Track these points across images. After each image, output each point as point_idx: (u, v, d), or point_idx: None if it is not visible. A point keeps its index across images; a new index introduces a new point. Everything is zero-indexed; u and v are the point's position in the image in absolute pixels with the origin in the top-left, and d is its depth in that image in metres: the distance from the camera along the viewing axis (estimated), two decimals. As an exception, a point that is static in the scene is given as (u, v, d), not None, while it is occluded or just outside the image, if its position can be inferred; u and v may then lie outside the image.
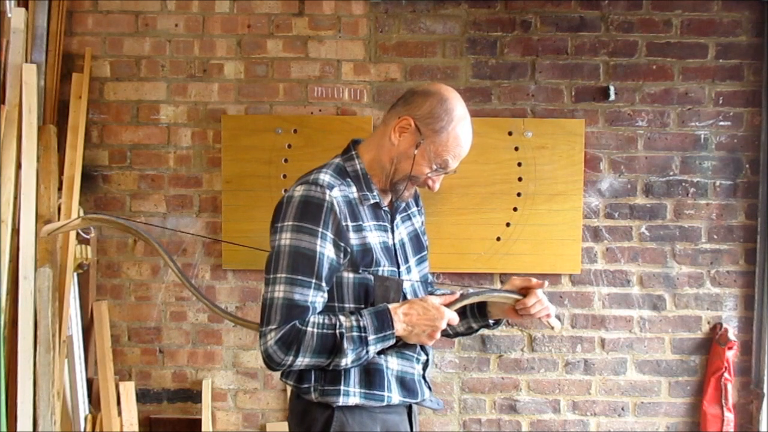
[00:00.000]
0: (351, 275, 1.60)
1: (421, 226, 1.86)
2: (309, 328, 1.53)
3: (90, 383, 2.91)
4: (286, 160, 2.91)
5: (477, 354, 3.02)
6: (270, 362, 1.55)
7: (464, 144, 1.66)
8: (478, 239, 2.93)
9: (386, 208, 1.71)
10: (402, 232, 1.75)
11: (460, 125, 1.63)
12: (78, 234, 2.83)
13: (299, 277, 1.54)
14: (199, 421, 2.96)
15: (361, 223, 1.61)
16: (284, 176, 2.90)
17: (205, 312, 3.01)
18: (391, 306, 1.58)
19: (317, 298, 1.56)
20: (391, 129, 1.65)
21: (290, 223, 1.55)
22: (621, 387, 3.03)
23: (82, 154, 2.88)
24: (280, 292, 1.54)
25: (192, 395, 3.03)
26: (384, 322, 1.56)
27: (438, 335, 1.60)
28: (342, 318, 1.56)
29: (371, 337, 1.54)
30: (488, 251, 2.93)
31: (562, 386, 3.03)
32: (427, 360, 1.74)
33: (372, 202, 1.66)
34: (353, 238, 1.59)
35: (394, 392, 1.65)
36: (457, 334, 1.85)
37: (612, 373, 3.03)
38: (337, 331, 1.53)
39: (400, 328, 1.57)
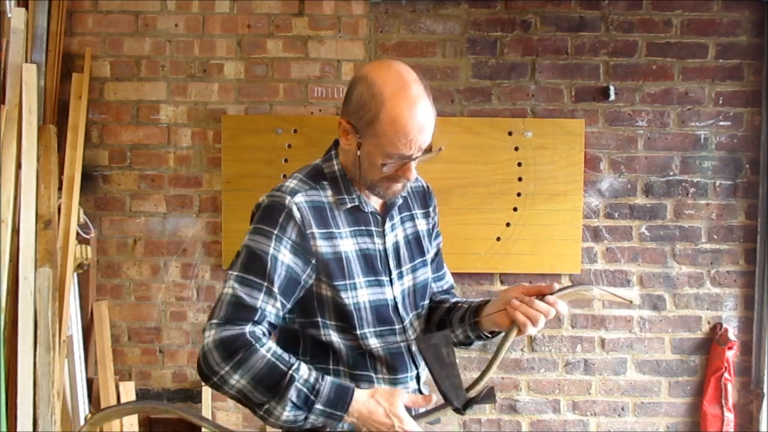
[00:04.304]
0: (329, 293, 1.48)
1: (428, 228, 1.73)
2: (262, 349, 1.36)
3: (90, 383, 2.91)
4: (286, 160, 2.91)
5: (477, 354, 3.02)
6: (203, 364, 1.37)
7: (409, 124, 1.37)
8: (478, 239, 2.93)
9: (374, 210, 1.55)
10: (399, 234, 1.60)
11: (393, 105, 1.37)
12: (78, 234, 2.83)
13: (250, 277, 1.43)
14: (199, 421, 2.96)
15: (332, 230, 1.47)
16: (284, 176, 2.89)
17: (205, 312, 3.00)
18: (358, 391, 1.40)
19: (268, 306, 1.41)
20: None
21: (252, 227, 1.51)
22: (621, 387, 3.03)
23: (82, 154, 2.87)
24: (229, 288, 1.43)
25: (192, 395, 3.03)
26: (340, 401, 1.38)
27: None
28: (303, 366, 1.38)
29: (318, 406, 1.37)
30: (488, 251, 2.93)
31: (562, 386, 3.03)
32: (418, 373, 1.62)
33: (350, 206, 1.50)
34: (322, 246, 1.45)
35: None
36: (459, 343, 1.69)
37: (612, 373, 3.02)
38: (290, 372, 1.35)
39: (353, 417, 1.40)
